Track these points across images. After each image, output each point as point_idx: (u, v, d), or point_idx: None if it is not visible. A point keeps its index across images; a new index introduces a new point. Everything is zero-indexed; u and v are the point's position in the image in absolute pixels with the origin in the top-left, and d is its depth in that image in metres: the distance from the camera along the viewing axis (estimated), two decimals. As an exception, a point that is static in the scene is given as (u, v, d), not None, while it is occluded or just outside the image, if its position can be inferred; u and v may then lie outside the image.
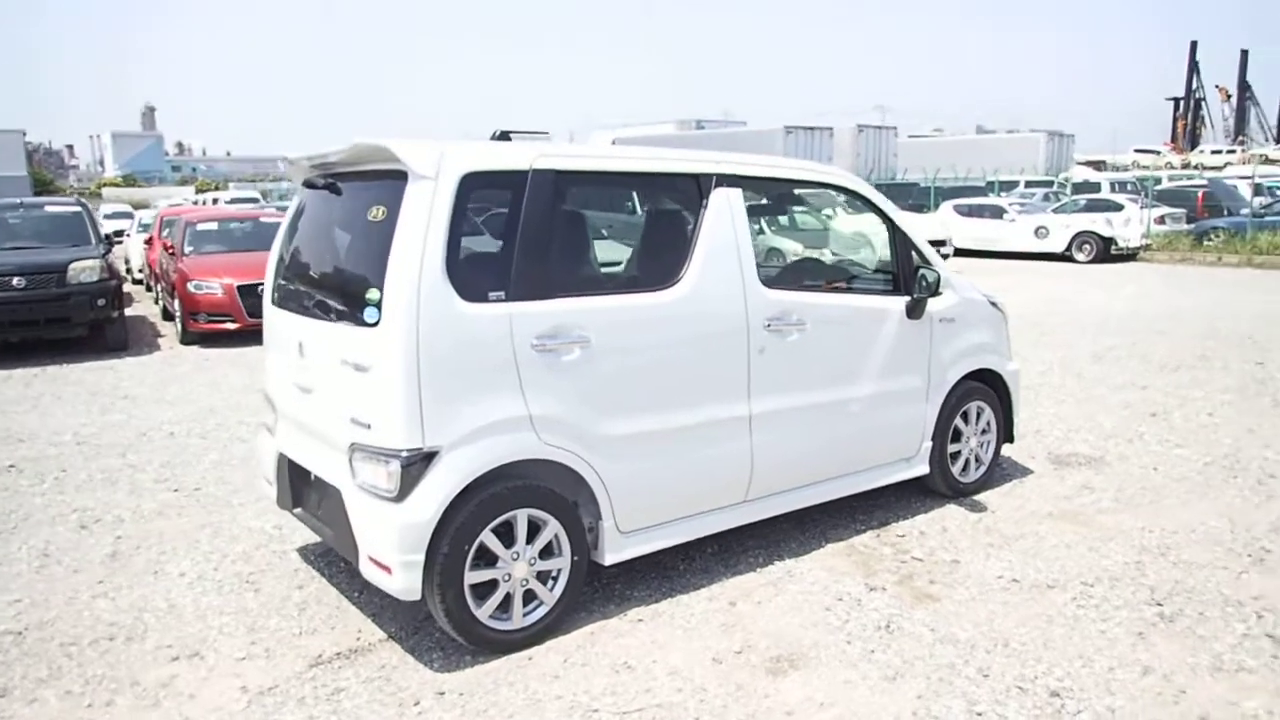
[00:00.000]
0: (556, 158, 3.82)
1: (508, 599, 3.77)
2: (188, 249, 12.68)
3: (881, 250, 5.12)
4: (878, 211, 4.99)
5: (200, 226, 13.39)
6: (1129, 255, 20.86)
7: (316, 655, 3.81)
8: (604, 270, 4.56)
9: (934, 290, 4.91)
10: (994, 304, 5.59)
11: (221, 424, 7.60)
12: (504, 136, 3.93)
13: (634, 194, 4.22)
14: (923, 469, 5.25)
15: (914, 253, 5.05)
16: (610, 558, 4.00)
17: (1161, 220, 22.46)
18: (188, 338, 11.77)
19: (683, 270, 4.13)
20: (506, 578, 3.75)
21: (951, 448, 5.39)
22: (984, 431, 5.59)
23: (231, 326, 11.46)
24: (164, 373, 9.89)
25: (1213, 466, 6.05)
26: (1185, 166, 46.72)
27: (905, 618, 4.03)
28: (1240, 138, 71.73)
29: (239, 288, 11.34)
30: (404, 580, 3.50)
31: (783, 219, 13.82)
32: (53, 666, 3.75)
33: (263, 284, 4.61)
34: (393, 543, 3.49)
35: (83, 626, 4.10)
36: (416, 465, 3.48)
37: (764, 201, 6.39)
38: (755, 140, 36.10)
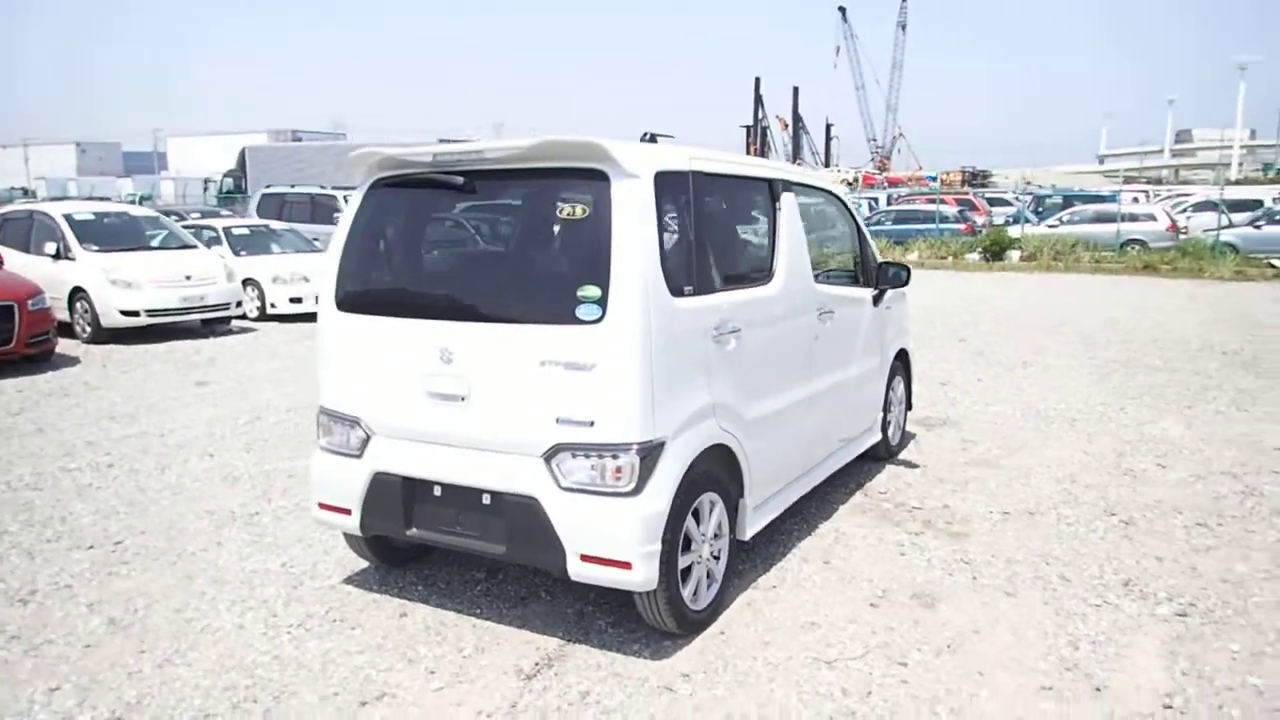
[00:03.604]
0: (701, 160, 4.06)
1: (697, 581, 3.93)
2: None
3: (853, 248, 5.88)
4: (851, 214, 5.75)
5: None
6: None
7: (517, 669, 3.67)
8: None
9: (903, 282, 5.78)
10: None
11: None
12: (652, 139, 4.07)
13: (739, 196, 4.51)
14: (876, 437, 6.11)
15: (872, 249, 5.90)
16: (749, 533, 4.30)
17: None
18: None
19: (774, 265, 4.55)
20: (698, 560, 3.92)
21: (884, 417, 6.32)
22: (901, 402, 6.60)
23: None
24: None
25: (1028, 416, 7.66)
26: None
27: (963, 552, 4.82)
28: (797, 160, 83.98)
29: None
30: (645, 572, 3.55)
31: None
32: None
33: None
34: (634, 536, 3.52)
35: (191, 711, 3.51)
36: (650, 457, 3.55)
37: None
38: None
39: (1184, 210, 27.75)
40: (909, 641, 3.87)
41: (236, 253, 14.38)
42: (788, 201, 4.73)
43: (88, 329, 11.81)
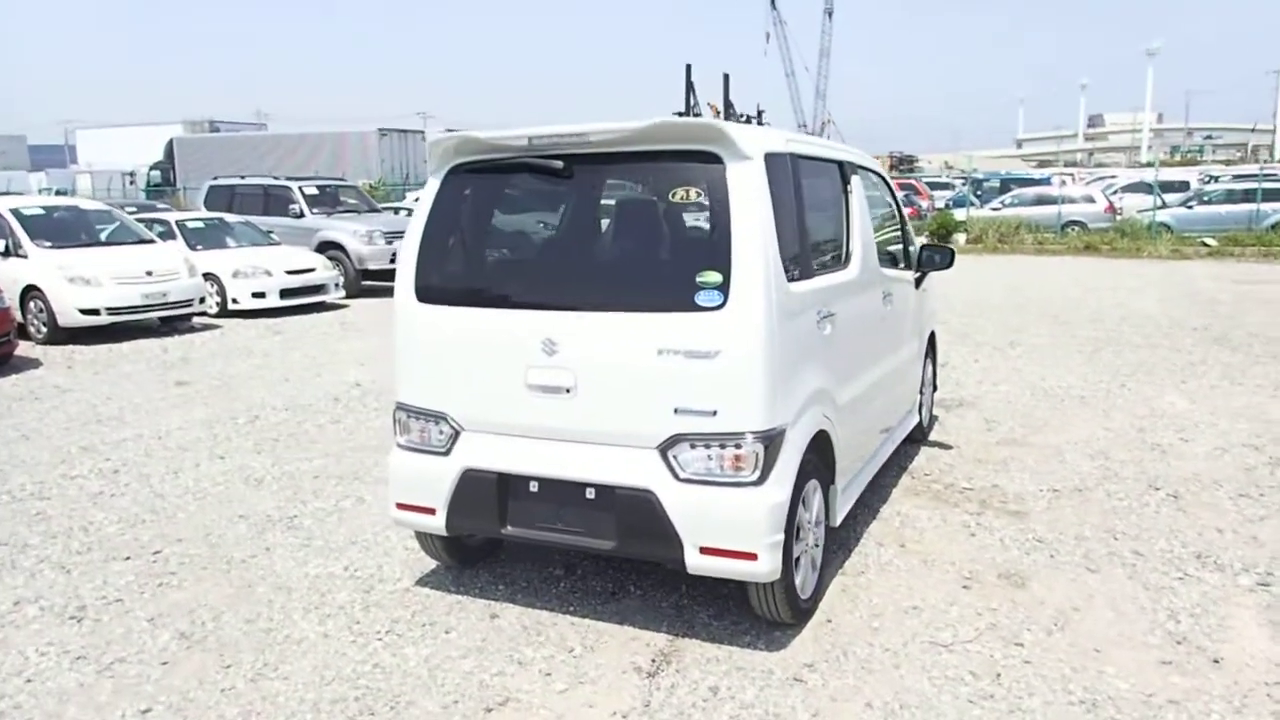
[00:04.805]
0: (795, 143, 4.00)
1: (804, 569, 3.88)
2: None
3: (897, 230, 5.88)
4: (893, 195, 5.75)
5: None
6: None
7: (635, 667, 3.57)
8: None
9: (946, 265, 5.79)
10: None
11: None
12: (750, 120, 3.97)
13: (822, 179, 4.44)
14: (916, 419, 6.13)
15: (910, 231, 5.91)
16: (839, 518, 4.26)
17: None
18: None
19: (849, 249, 4.51)
20: (806, 549, 3.87)
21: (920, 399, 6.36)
22: (929, 384, 6.65)
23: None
24: None
25: (1038, 395, 7.80)
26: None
27: (1029, 530, 4.86)
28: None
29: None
30: (770, 563, 3.47)
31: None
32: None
33: None
34: (760, 527, 3.45)
35: None
36: (774, 445, 3.48)
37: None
38: (341, 141, 34.64)
39: (1115, 192, 28.69)
40: (1015, 622, 3.88)
41: (192, 247, 13.78)
42: (857, 184, 4.69)
43: (43, 329, 11.20)
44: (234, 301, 13.43)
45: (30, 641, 3.89)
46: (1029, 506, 5.22)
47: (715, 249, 3.43)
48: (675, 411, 3.49)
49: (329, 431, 7.14)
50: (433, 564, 4.54)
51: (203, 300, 12.49)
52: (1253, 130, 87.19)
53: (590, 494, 3.68)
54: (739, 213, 3.42)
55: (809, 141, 4.23)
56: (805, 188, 4.03)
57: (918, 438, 6.35)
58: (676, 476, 3.52)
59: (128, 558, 4.76)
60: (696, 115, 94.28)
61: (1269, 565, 4.37)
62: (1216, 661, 3.54)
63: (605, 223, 3.98)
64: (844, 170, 4.63)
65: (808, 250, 3.89)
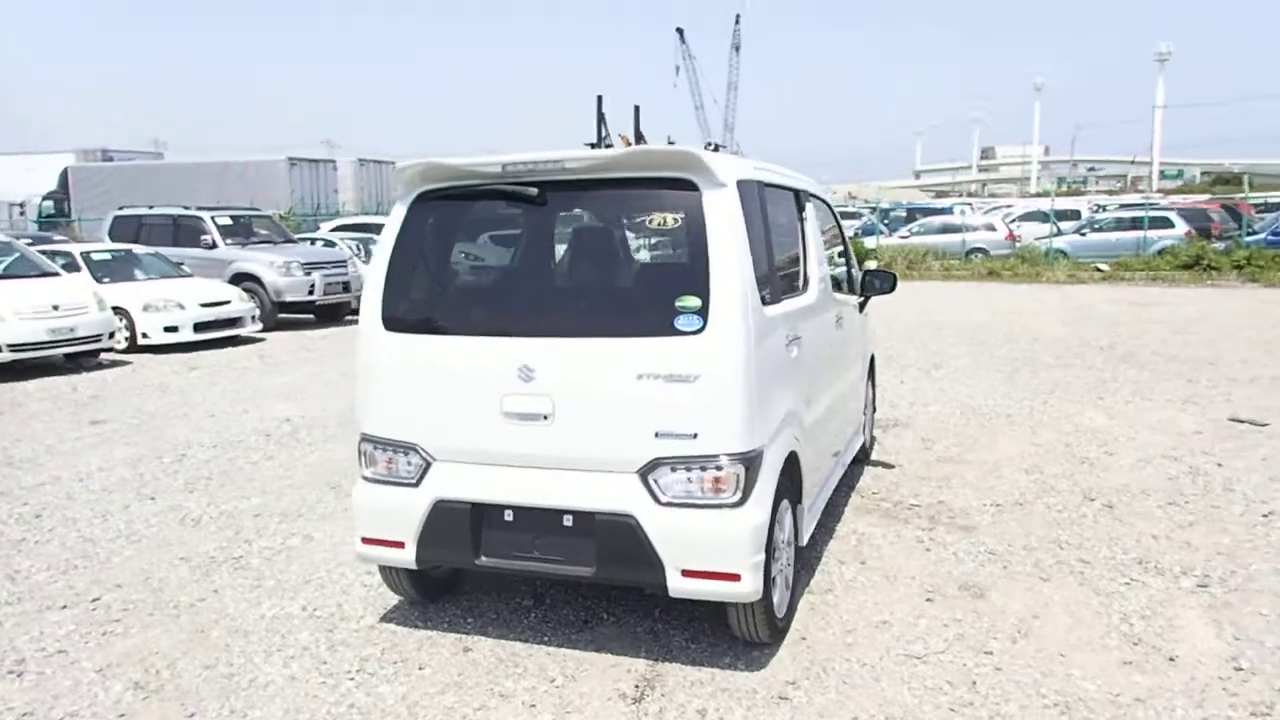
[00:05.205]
0: (761, 170, 4.10)
1: (779, 589, 3.92)
2: None
3: (840, 257, 6.04)
4: (837, 221, 5.92)
5: None
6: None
7: (620, 694, 3.55)
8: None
9: (889, 289, 5.97)
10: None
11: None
12: (717, 149, 4.06)
13: (782, 206, 4.54)
14: (861, 439, 6.29)
15: (853, 256, 6.09)
16: (806, 537, 4.33)
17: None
18: None
19: (807, 274, 4.63)
20: (780, 568, 3.91)
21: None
22: (870, 405, 6.82)
23: None
24: None
25: (966, 414, 8.08)
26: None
27: (980, 543, 5.03)
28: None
29: None
30: (752, 583, 3.51)
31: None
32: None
33: None
34: (743, 548, 3.48)
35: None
36: (753, 467, 3.52)
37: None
38: (249, 171, 33.65)
39: (1013, 220, 30.02)
40: (981, 631, 4.00)
41: (98, 279, 13.19)
42: (811, 211, 4.83)
43: (-63, 368, 10.55)
44: (144, 336, 12.89)
45: (-33, 699, 3.64)
46: (975, 520, 5.39)
47: (693, 274, 3.48)
48: (656, 435, 3.51)
49: (264, 469, 6.91)
50: (394, 600, 4.43)
51: (112, 335, 11.97)
52: (1132, 163, 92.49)
53: (568, 521, 3.66)
54: (716, 239, 3.48)
55: (770, 169, 4.34)
56: (770, 214, 4.12)
57: (861, 458, 6.50)
58: (657, 500, 3.53)
59: (64, 606, 4.50)
60: (608, 145, 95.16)
61: (1204, 568, 4.62)
62: (1172, 659, 3.71)
63: (580, 249, 3.99)
64: (799, 197, 4.75)
65: (775, 275, 3.98)
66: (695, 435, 3.48)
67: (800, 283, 4.55)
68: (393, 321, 3.86)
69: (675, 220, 3.57)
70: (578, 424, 3.60)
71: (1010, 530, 5.22)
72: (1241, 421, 7.54)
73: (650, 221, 3.62)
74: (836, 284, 5.79)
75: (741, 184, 3.71)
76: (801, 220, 4.73)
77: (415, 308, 3.89)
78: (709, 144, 4.15)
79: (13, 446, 7.71)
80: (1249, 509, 5.47)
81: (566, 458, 3.63)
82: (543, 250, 3.97)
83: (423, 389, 3.82)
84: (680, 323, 3.46)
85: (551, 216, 3.88)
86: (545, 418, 3.62)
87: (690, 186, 3.53)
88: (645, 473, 3.53)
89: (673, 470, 3.51)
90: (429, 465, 3.82)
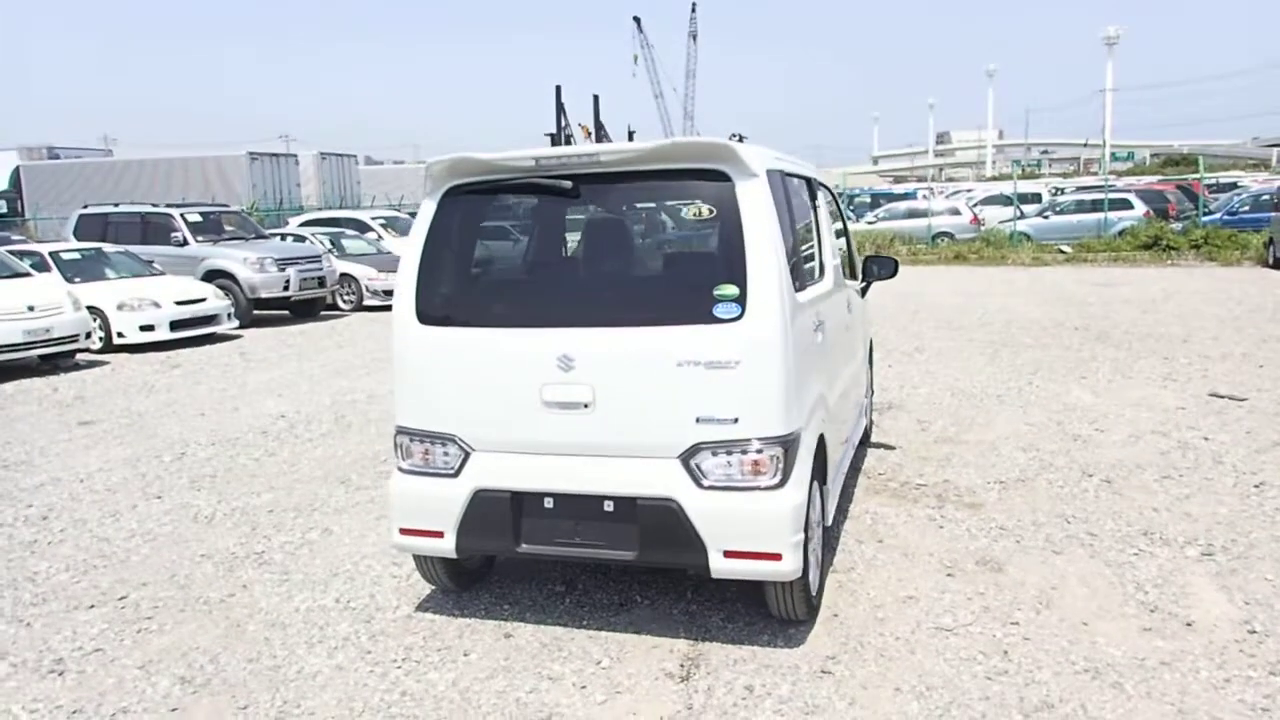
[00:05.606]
0: (781, 161, 4.19)
1: (813, 568, 4.03)
2: None
3: (844, 241, 6.15)
4: (839, 208, 6.04)
5: None
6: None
7: (666, 673, 3.64)
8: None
9: (891, 275, 6.11)
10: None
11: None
12: (742, 139, 4.13)
13: (799, 195, 4.63)
14: (865, 421, 6.43)
15: (853, 242, 6.22)
16: (830, 517, 4.45)
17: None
18: None
19: (822, 261, 4.74)
20: (813, 548, 4.02)
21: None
22: (869, 389, 6.97)
23: None
24: None
25: (957, 395, 8.28)
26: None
27: (990, 520, 5.19)
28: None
29: None
30: (793, 562, 3.61)
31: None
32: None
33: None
34: (785, 528, 3.58)
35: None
36: (792, 449, 3.62)
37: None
38: (208, 166, 33.07)
39: (975, 204, 30.48)
40: (1004, 603, 4.15)
41: (69, 279, 12.96)
42: (822, 199, 4.93)
43: (-89, 372, 10.33)
44: (120, 335, 12.70)
45: (11, 699, 3.64)
46: (982, 498, 5.56)
47: (730, 262, 3.57)
48: (697, 421, 3.59)
49: (267, 465, 6.89)
50: (427, 590, 4.48)
51: (88, 335, 11.79)
52: (1084, 145, 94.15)
53: (609, 506, 3.73)
54: (751, 227, 3.57)
55: (787, 159, 4.43)
56: (793, 203, 4.22)
57: (863, 440, 6.64)
58: (699, 484, 3.62)
59: (92, 606, 4.49)
60: (568, 136, 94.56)
61: (1207, 537, 4.81)
62: (1189, 625, 3.89)
63: (615, 241, 4.05)
64: (811, 185, 4.86)
65: (801, 262, 4.08)
66: (736, 420, 3.57)
67: (818, 268, 4.66)
68: (427, 316, 3.90)
69: (710, 210, 3.65)
70: (618, 411, 3.67)
71: (1017, 506, 5.38)
72: (1221, 397, 7.80)
73: (685, 212, 3.70)
74: (844, 269, 5.93)
75: (770, 174, 3.80)
76: (815, 208, 4.83)
77: (449, 301, 3.94)
78: (734, 135, 4.24)
79: (3, 449, 7.60)
80: (1240, 480, 5.69)
81: (607, 444, 3.71)
82: (578, 242, 4.03)
83: (460, 381, 3.87)
84: (720, 310, 3.54)
85: (584, 209, 3.94)
86: (585, 406, 3.69)
87: (723, 177, 3.61)
88: (687, 458, 3.61)
89: (714, 454, 3.60)
90: (468, 455, 3.88)
